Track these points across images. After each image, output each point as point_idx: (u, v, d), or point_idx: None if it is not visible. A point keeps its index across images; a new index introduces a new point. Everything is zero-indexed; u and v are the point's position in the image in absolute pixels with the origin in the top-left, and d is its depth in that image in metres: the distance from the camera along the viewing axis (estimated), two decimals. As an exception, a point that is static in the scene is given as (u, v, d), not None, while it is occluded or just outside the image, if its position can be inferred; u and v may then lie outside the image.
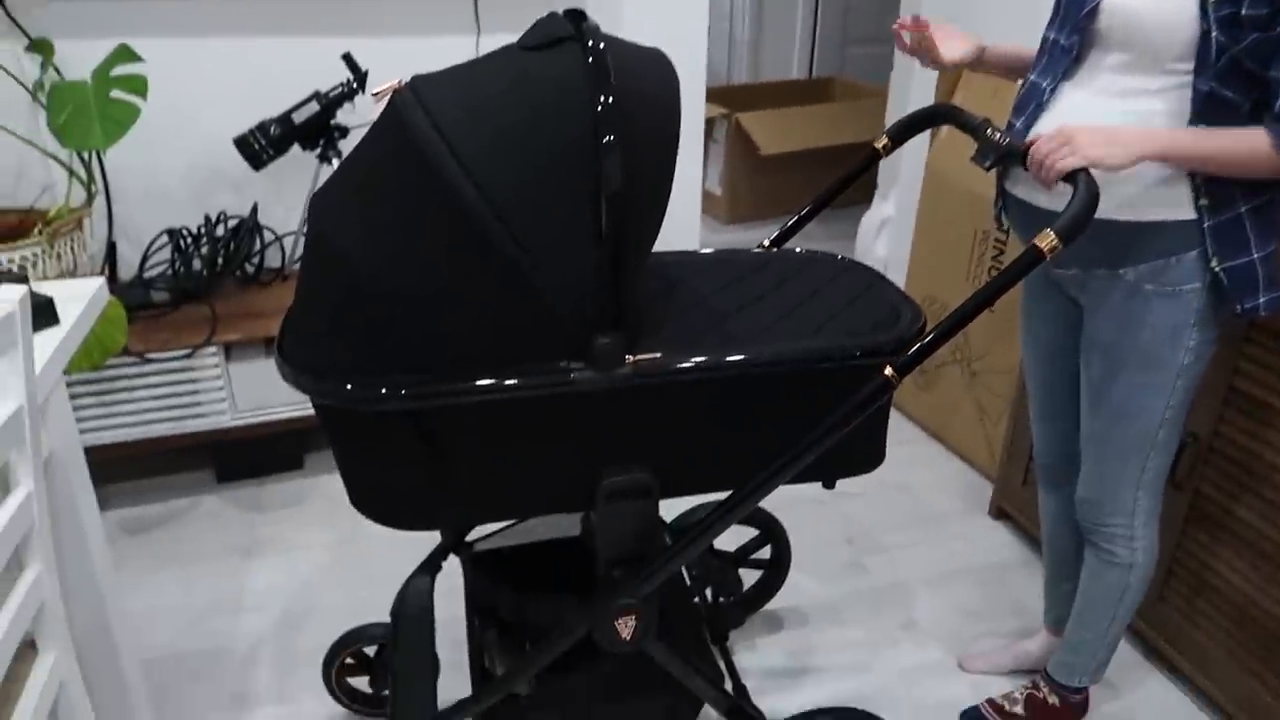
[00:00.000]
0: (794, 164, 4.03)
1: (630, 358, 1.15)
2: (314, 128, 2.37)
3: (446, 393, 1.13)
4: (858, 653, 1.95)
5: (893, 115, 3.48)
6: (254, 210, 2.48)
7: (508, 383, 1.14)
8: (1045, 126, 1.39)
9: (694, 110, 2.76)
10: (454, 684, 1.81)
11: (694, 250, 1.54)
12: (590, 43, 1.06)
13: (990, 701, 1.80)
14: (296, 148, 2.50)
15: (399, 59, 2.54)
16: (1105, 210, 1.33)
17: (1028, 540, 2.30)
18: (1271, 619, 1.65)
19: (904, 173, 3.21)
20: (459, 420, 1.18)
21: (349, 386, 1.11)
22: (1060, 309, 1.56)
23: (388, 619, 1.73)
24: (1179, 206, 1.31)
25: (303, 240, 2.08)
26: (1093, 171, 1.22)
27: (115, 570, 2.00)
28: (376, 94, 1.16)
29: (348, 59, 2.35)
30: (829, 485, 1.39)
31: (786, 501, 2.41)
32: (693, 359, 1.18)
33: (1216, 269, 1.32)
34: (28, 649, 1.11)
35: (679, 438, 1.26)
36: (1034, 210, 1.42)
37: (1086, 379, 1.49)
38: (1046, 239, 1.17)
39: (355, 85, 2.37)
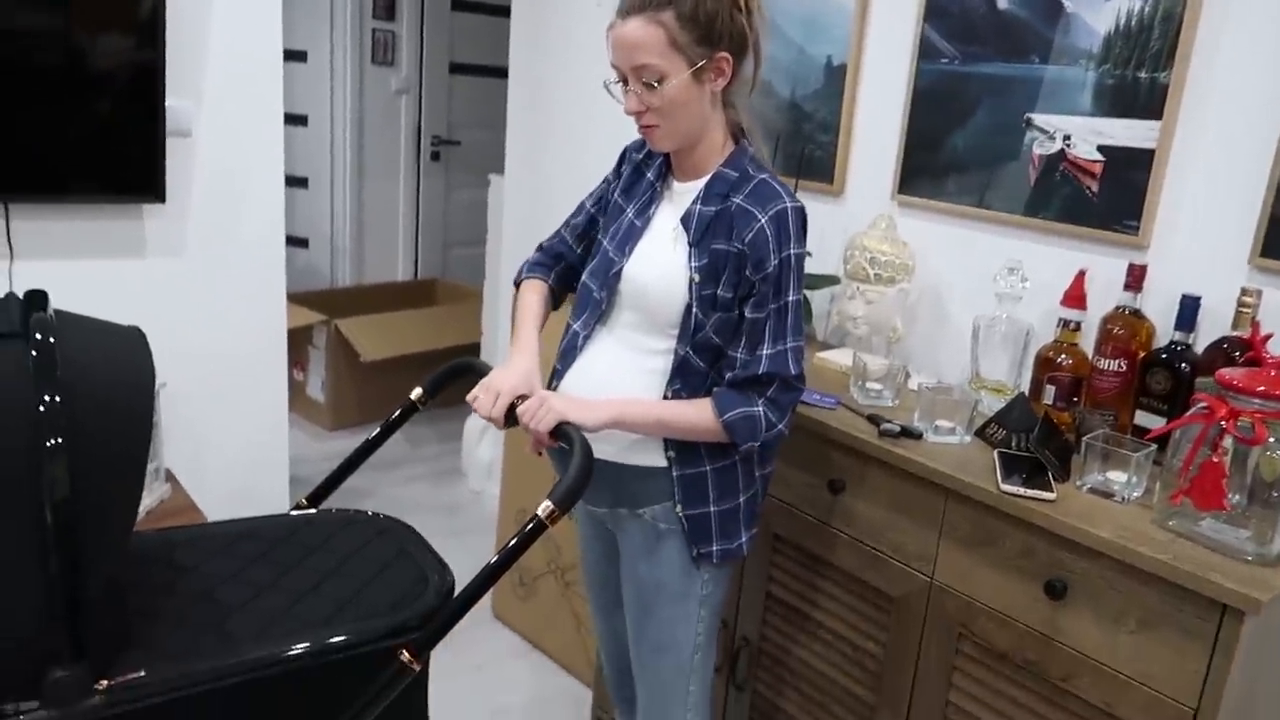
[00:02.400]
0: (398, 368, 4.05)
1: (104, 683, 1.02)
2: None
3: None
4: None
5: (488, 317, 3.65)
6: None
7: None
8: (576, 371, 1.52)
9: (275, 320, 2.68)
10: None
11: (226, 520, 1.44)
12: (37, 338, 0.98)
13: None
14: None
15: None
16: (607, 454, 1.46)
17: (626, 749, 2.35)
18: (822, 809, 1.81)
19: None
20: None
21: None
22: (606, 539, 1.66)
23: None
24: (656, 455, 1.47)
25: None
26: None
27: None
28: None
29: None
30: None
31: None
32: (177, 674, 1.07)
33: (680, 514, 1.48)
34: None
35: None
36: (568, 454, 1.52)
37: (627, 615, 1.59)
38: (546, 508, 1.23)
39: None
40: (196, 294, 2.53)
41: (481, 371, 1.52)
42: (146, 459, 1.10)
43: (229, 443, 2.67)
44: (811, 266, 2.18)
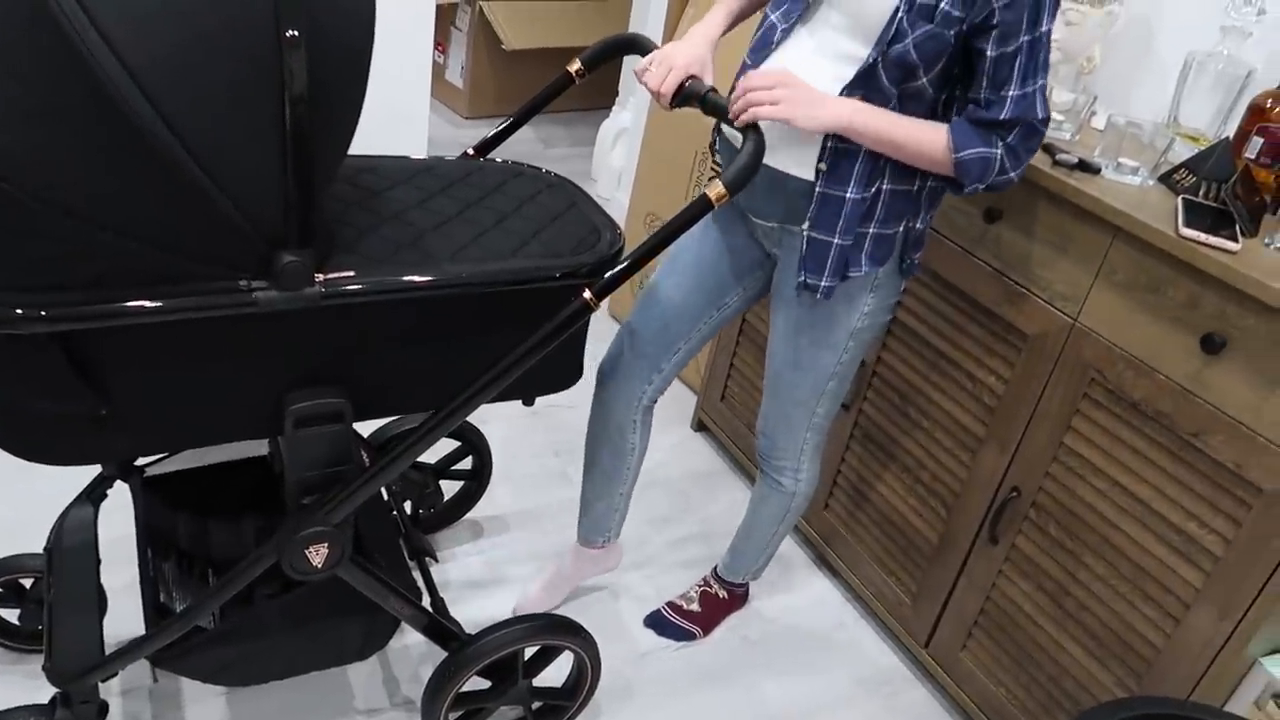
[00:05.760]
0: (541, 60, 3.94)
1: (320, 276, 1.09)
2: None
3: (102, 314, 1.00)
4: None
5: (635, 20, 3.46)
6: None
7: (177, 304, 1.02)
8: (768, 69, 1.41)
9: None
10: (123, 616, 1.70)
11: (400, 156, 1.46)
12: None
13: (670, 603, 1.94)
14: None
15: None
16: (798, 169, 1.38)
17: (723, 452, 2.46)
18: (910, 528, 1.87)
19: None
20: (118, 344, 1.06)
21: None
22: (748, 249, 1.59)
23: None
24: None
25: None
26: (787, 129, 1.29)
27: None
28: None
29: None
30: (528, 403, 1.41)
31: (501, 413, 2.43)
32: (387, 278, 1.13)
33: (916, 226, 1.43)
34: None
35: (372, 359, 1.21)
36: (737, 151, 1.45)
37: (772, 329, 1.57)
38: (715, 189, 1.21)
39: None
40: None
41: (648, 48, 1.44)
42: (370, 61, 1.09)
43: (369, 111, 2.67)
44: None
